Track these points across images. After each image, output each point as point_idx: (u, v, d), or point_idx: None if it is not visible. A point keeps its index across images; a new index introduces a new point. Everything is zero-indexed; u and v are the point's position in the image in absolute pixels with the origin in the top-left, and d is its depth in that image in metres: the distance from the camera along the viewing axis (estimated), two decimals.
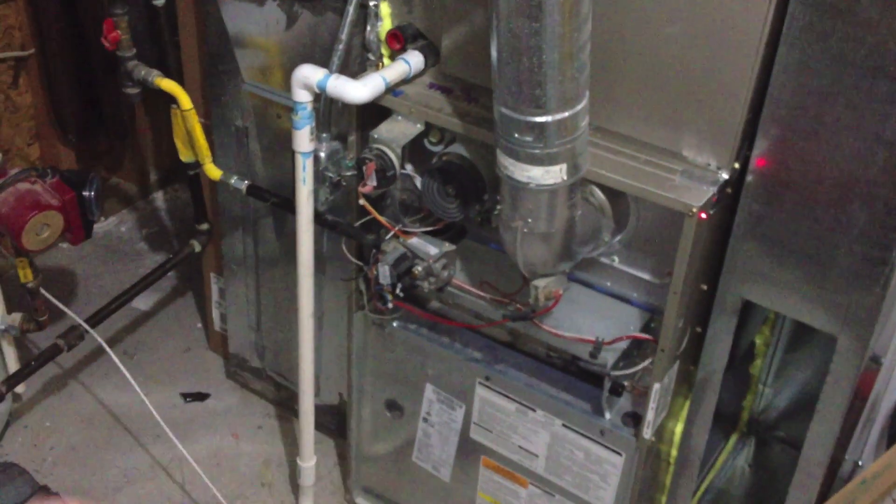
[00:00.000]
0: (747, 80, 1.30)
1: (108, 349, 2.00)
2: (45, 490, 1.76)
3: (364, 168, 1.60)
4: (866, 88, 1.23)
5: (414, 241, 1.66)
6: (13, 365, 2.16)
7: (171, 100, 1.91)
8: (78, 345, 2.09)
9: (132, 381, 1.98)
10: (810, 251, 1.37)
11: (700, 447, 1.65)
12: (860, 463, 1.91)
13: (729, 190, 1.39)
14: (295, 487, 2.12)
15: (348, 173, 1.70)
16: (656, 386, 1.51)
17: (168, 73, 1.98)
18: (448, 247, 1.65)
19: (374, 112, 1.61)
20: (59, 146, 2.65)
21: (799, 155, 1.32)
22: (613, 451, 1.63)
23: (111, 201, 2.87)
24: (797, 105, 1.29)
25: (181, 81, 1.98)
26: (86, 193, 1.86)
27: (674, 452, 1.67)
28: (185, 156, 1.98)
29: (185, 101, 1.88)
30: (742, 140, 1.35)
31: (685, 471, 1.69)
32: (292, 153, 1.64)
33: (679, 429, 1.65)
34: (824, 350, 1.47)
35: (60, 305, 2.03)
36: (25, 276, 2.00)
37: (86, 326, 2.04)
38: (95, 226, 2.75)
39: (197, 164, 1.98)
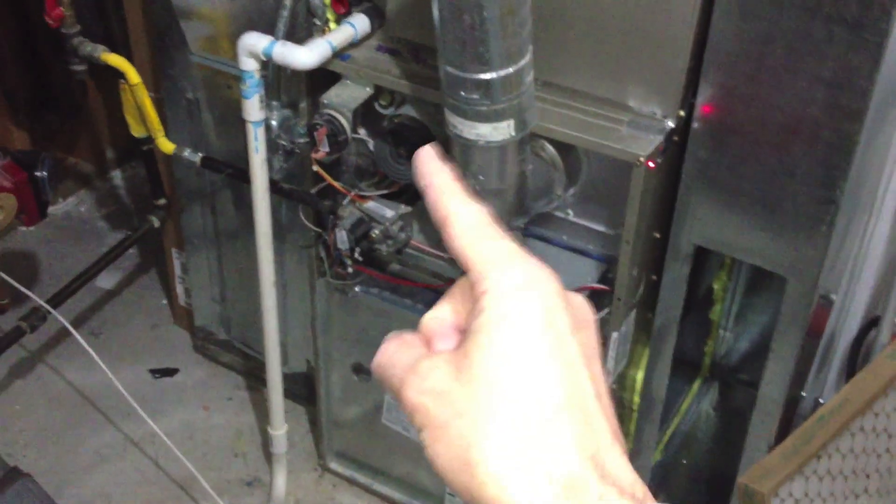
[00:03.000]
0: (688, 27, 1.31)
1: (72, 329, 1.99)
2: (15, 471, 1.76)
3: (315, 134, 1.60)
4: (804, 30, 1.25)
5: (370, 204, 1.67)
6: None
7: (121, 75, 1.90)
8: (41, 326, 2.08)
9: (99, 361, 1.98)
10: (758, 194, 1.39)
11: (661, 393, 1.68)
12: (821, 401, 1.95)
13: (676, 138, 1.41)
14: (268, 456, 2.14)
15: (301, 140, 1.70)
16: (614, 335, 1.53)
17: (115, 48, 1.96)
18: (404, 209, 1.66)
19: (323, 77, 1.61)
20: (12, 127, 2.62)
21: (742, 100, 1.34)
22: None
23: (68, 181, 2.84)
24: (738, 50, 1.30)
25: (129, 56, 1.96)
26: (38, 174, 1.85)
27: (636, 399, 1.70)
28: (136, 131, 1.97)
29: (132, 75, 1.86)
30: (686, 87, 1.37)
31: (648, 417, 1.72)
32: (244, 123, 1.64)
33: (640, 376, 1.68)
34: (781, 292, 1.50)
35: (20, 287, 2.02)
36: None
37: (47, 307, 2.04)
38: (54, 207, 2.77)
39: (150, 139, 1.97)
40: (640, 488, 0.45)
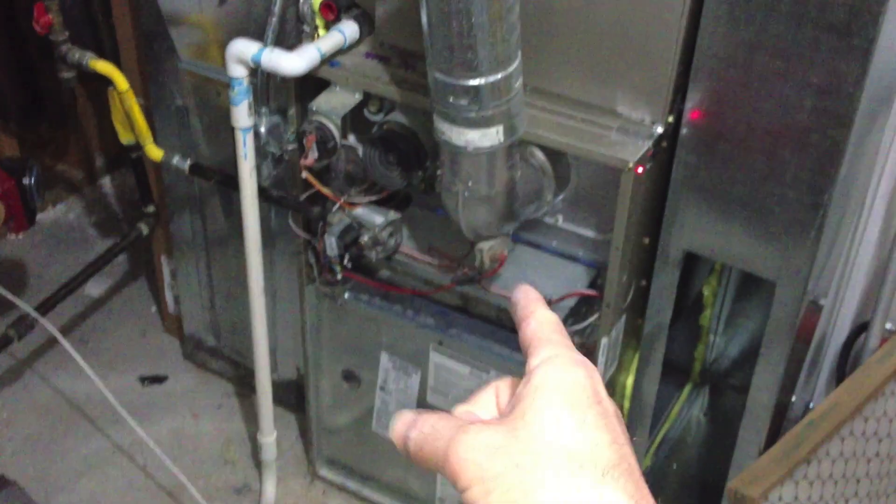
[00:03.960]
0: (676, 33, 1.32)
1: (60, 337, 1.98)
2: (2, 479, 1.76)
3: (304, 140, 1.59)
4: (792, 36, 1.25)
5: (359, 211, 1.66)
6: None
7: (109, 82, 1.89)
8: (28, 334, 2.07)
9: (87, 368, 1.97)
10: (746, 200, 1.39)
11: (651, 398, 1.68)
12: (811, 406, 1.96)
13: (664, 144, 1.41)
14: (258, 463, 2.13)
15: (290, 147, 1.70)
16: (604, 340, 1.53)
17: (104, 55, 1.95)
18: (393, 215, 1.66)
19: (312, 84, 1.61)
20: (1, 135, 2.61)
21: (731, 105, 1.34)
22: None
23: (58, 189, 2.83)
24: (726, 56, 1.31)
25: (117, 62, 1.96)
26: (26, 181, 1.84)
27: (626, 405, 1.70)
28: (124, 138, 1.96)
29: (121, 82, 1.86)
30: (675, 93, 1.37)
31: (638, 422, 1.72)
32: (233, 130, 1.63)
33: (630, 381, 1.68)
34: (770, 297, 1.50)
35: (8, 295, 2.01)
36: None
37: (35, 315, 2.03)
38: (43, 214, 2.75)
39: (138, 146, 1.96)
40: None
